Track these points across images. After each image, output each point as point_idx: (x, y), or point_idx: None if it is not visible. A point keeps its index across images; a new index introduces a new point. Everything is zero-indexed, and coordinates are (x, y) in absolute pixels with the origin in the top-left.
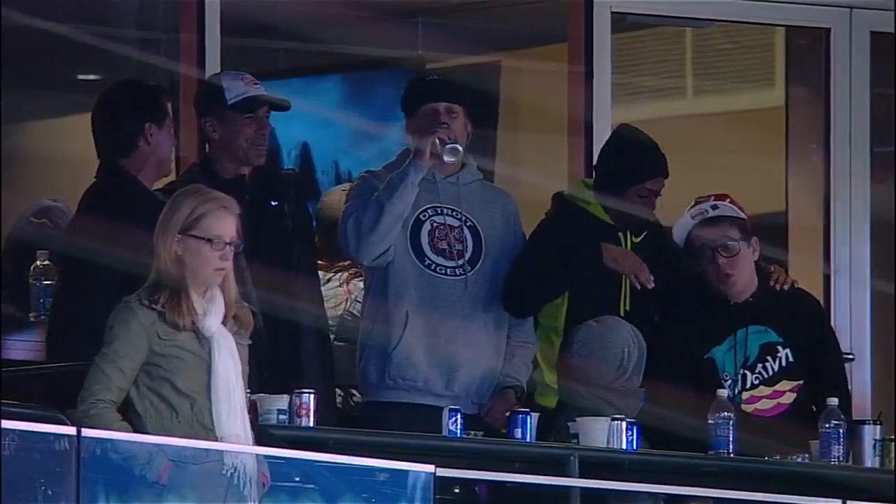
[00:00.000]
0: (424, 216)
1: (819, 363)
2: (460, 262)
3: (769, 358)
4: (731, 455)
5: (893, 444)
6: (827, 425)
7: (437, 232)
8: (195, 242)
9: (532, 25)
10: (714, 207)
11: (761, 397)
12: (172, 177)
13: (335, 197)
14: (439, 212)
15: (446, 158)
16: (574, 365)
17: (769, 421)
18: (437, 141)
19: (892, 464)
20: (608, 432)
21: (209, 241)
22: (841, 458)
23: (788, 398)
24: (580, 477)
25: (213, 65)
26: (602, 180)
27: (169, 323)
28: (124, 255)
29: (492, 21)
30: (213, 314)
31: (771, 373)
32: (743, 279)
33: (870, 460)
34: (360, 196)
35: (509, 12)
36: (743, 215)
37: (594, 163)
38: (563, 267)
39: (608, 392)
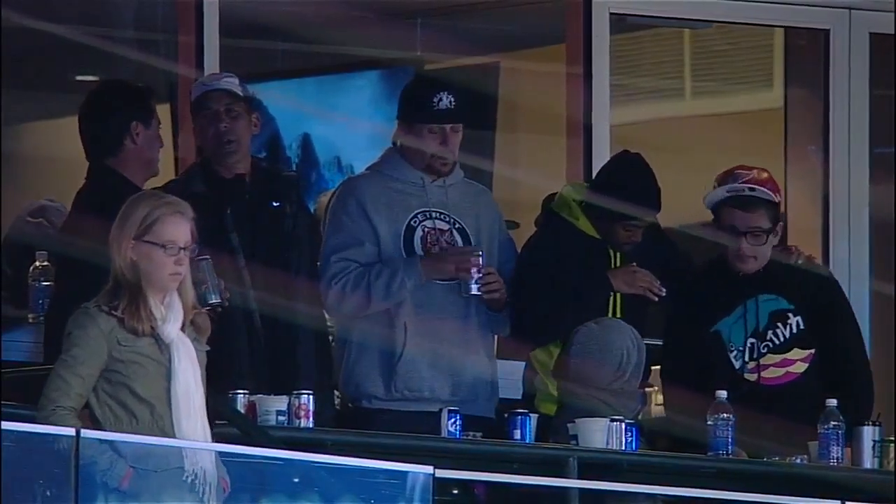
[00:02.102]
0: (415, 222)
1: (831, 331)
2: None
3: (779, 325)
4: (730, 456)
5: (892, 445)
6: (826, 426)
7: (428, 237)
8: (148, 248)
9: (531, 26)
10: (751, 189)
11: (769, 365)
12: (172, 176)
13: None
14: (429, 216)
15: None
16: (573, 366)
17: (774, 391)
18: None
19: (891, 465)
20: (607, 433)
21: (162, 246)
22: (840, 459)
23: (799, 367)
24: (579, 478)
25: (211, 66)
26: (596, 209)
27: (128, 329)
28: None
29: (491, 22)
30: (172, 320)
31: (781, 339)
32: (761, 262)
33: (869, 461)
34: (347, 262)
35: (508, 13)
36: (777, 198)
37: (592, 179)
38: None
39: (606, 393)
